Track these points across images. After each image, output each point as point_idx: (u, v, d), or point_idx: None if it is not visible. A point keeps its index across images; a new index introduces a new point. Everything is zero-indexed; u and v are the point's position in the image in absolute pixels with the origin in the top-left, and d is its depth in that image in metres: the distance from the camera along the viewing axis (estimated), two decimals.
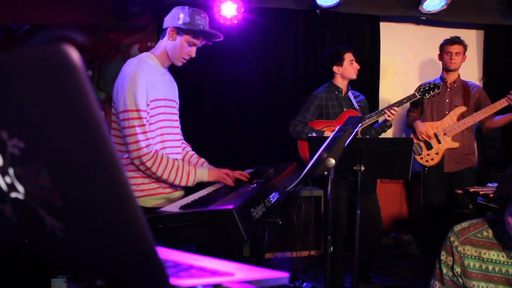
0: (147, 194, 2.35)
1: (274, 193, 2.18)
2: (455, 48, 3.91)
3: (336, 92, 3.80)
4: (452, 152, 3.91)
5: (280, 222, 2.46)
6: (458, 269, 1.88)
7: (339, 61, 3.76)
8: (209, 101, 4.70)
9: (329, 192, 2.19)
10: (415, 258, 4.69)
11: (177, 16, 2.38)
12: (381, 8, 4.86)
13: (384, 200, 4.99)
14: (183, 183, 2.37)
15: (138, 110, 2.22)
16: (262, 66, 4.79)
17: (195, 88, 4.65)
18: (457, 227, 1.92)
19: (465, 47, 3.94)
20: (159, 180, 2.33)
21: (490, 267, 1.83)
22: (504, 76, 5.28)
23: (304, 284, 3.78)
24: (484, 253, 1.84)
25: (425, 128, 3.91)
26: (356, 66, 3.78)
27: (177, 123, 2.62)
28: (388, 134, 4.80)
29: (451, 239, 1.91)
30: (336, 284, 3.69)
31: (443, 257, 1.94)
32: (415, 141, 3.96)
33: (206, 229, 1.72)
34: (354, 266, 2.85)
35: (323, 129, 3.70)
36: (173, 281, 0.56)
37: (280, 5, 4.66)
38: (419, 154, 3.96)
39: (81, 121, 0.46)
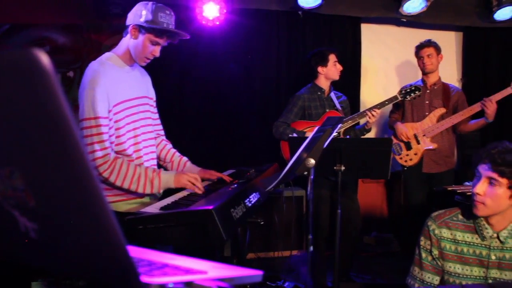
0: (120, 199, 2.28)
1: (254, 193, 2.19)
2: (425, 51, 3.97)
3: (319, 93, 3.83)
4: (431, 153, 3.97)
5: (262, 223, 2.47)
6: (436, 252, 1.95)
7: (324, 62, 3.79)
8: (191, 102, 4.69)
9: (309, 192, 2.21)
10: (396, 257, 4.74)
11: (139, 13, 2.24)
12: (362, 10, 4.91)
13: (365, 200, 5.05)
14: (147, 191, 2.24)
15: (96, 118, 2.13)
16: (245, 66, 4.80)
17: (177, 89, 4.65)
18: (435, 213, 2.01)
19: (436, 48, 3.98)
20: (121, 189, 2.23)
21: (465, 249, 1.90)
22: (483, 77, 5.38)
23: (286, 284, 3.80)
24: (459, 236, 1.91)
25: (405, 129, 3.96)
26: (339, 67, 3.82)
27: (151, 121, 2.51)
28: (371, 134, 4.85)
29: (429, 223, 1.99)
30: (318, 283, 3.73)
31: (421, 242, 2.00)
32: (395, 141, 4.02)
33: (187, 229, 1.73)
34: (335, 265, 2.89)
35: (305, 130, 3.73)
36: (145, 279, 0.57)
37: (262, 6, 4.68)
38: (399, 154, 4.01)
39: (52, 124, 0.47)
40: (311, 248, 2.28)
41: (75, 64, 4.56)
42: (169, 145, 2.74)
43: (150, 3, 2.26)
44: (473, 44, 5.40)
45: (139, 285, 0.54)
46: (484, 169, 1.80)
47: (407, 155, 3.99)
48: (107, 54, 2.34)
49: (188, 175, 2.29)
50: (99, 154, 2.13)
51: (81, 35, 4.56)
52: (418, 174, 4.01)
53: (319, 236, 3.69)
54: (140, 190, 2.23)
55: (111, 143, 2.24)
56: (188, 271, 0.66)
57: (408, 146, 3.98)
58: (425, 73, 4.05)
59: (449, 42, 5.38)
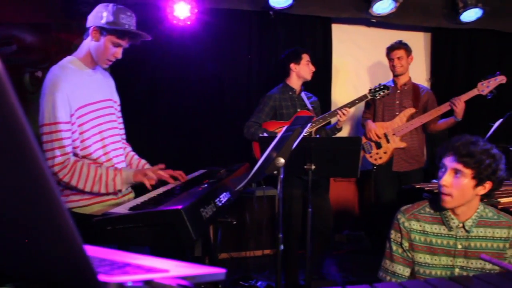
0: (94, 202, 2.28)
1: (225, 193, 2.20)
2: (396, 54, 4.05)
3: (290, 93, 3.85)
4: (401, 152, 4.04)
5: (235, 223, 2.47)
6: (406, 244, 2.01)
7: (297, 59, 3.82)
8: (163, 103, 4.65)
9: (279, 191, 2.23)
10: (367, 254, 4.80)
11: (100, 15, 2.23)
12: (333, 10, 4.96)
13: (337, 198, 5.11)
14: (110, 190, 2.25)
15: (56, 123, 2.12)
16: (216, 67, 4.79)
17: (148, 89, 4.61)
18: (403, 207, 2.08)
19: (406, 50, 4.07)
20: (85, 192, 2.22)
21: (434, 240, 1.97)
22: (450, 76, 5.51)
23: (259, 283, 3.81)
24: (427, 227, 1.98)
25: (374, 127, 4.03)
26: (312, 67, 3.85)
27: (116, 124, 2.50)
28: (344, 134, 4.90)
29: (398, 216, 2.05)
30: (290, 281, 3.75)
31: (392, 236, 2.06)
32: (365, 140, 4.09)
33: (156, 229, 1.72)
34: (306, 263, 2.91)
35: (276, 131, 3.74)
36: (103, 278, 0.57)
37: (233, 6, 4.67)
38: (369, 153, 4.07)
39: (4, 125, 0.46)
40: (282, 246, 2.29)
41: (44, 63, 4.48)
42: (129, 148, 2.74)
43: (111, 4, 2.24)
44: (441, 44, 5.52)
45: (96, 284, 0.54)
46: (449, 161, 1.88)
47: (377, 153, 4.06)
48: (68, 58, 2.32)
49: (146, 171, 2.29)
50: (59, 159, 2.12)
51: (50, 34, 4.48)
52: (388, 172, 4.08)
53: (291, 235, 3.72)
54: (102, 190, 2.23)
55: (76, 147, 2.23)
56: (149, 270, 0.66)
57: (378, 145, 4.04)
58: (395, 75, 4.12)
59: (418, 42, 5.48)
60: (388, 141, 4.03)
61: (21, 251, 0.58)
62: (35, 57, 4.45)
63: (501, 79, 3.78)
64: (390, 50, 4.08)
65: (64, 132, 2.14)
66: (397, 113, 4.07)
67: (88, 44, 2.30)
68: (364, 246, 4.98)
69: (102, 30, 2.23)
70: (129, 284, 0.57)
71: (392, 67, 4.09)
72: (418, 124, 3.97)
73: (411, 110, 4.03)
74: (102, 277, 0.56)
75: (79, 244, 0.52)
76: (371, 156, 4.09)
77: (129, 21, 2.27)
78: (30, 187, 0.51)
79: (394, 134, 4.01)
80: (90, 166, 2.20)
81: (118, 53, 2.31)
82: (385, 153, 4.04)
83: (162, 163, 2.43)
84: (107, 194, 2.30)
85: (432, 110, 3.94)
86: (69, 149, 2.17)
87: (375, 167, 4.09)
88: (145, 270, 0.66)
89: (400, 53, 4.04)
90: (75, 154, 2.24)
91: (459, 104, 3.78)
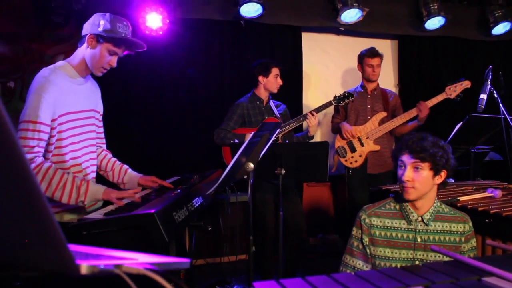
0: (64, 209, 2.26)
1: (197, 198, 2.27)
2: (376, 61, 4.18)
3: (258, 102, 3.96)
4: (375, 155, 4.17)
5: (210, 229, 2.54)
6: (366, 239, 2.13)
7: (266, 72, 3.91)
8: (136, 111, 4.69)
9: (249, 195, 2.31)
10: (341, 256, 4.87)
11: (97, 23, 2.24)
12: (302, 19, 5.09)
13: (312, 203, 5.21)
14: (72, 201, 2.14)
15: (35, 122, 2.09)
16: (188, 76, 4.85)
17: (122, 98, 4.63)
18: (366, 206, 2.21)
19: (382, 58, 4.23)
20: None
21: (394, 234, 2.10)
22: (417, 82, 5.71)
23: (235, 287, 3.88)
24: (388, 222, 2.12)
25: (350, 127, 4.14)
26: (279, 81, 3.95)
27: (95, 134, 2.50)
28: (317, 140, 5.00)
29: (360, 214, 2.18)
30: None
31: (353, 232, 2.19)
32: (339, 144, 4.19)
33: (130, 233, 1.79)
34: (279, 265, 3.00)
35: (245, 134, 3.82)
36: (79, 261, 0.64)
37: (205, 16, 4.76)
38: (344, 157, 4.18)
39: None
40: (253, 248, 2.37)
41: (16, 74, 4.48)
42: (110, 155, 2.74)
43: (108, 14, 2.27)
44: (408, 51, 5.72)
45: (74, 267, 0.61)
46: (407, 158, 2.04)
47: (352, 157, 4.17)
48: (60, 63, 2.32)
49: (117, 192, 2.23)
50: (26, 156, 2.11)
51: (21, 44, 4.48)
52: (362, 175, 4.19)
53: (265, 240, 3.80)
54: (64, 199, 2.14)
55: (49, 152, 2.21)
56: (120, 258, 0.74)
57: (353, 149, 4.16)
58: (370, 81, 4.25)
59: (385, 49, 5.64)
60: (362, 145, 4.15)
61: (13, 244, 0.65)
62: (6, 67, 4.45)
63: (466, 83, 3.96)
64: (371, 56, 4.19)
65: (42, 133, 2.12)
66: (369, 117, 4.20)
67: (83, 51, 2.30)
68: (338, 248, 5.07)
69: (99, 38, 2.24)
70: (102, 266, 0.65)
71: (372, 73, 4.20)
72: (391, 127, 4.10)
73: (383, 114, 4.17)
74: (78, 261, 0.63)
75: (59, 233, 0.60)
76: (346, 160, 4.19)
77: (125, 30, 2.30)
78: (18, 186, 0.58)
79: (367, 138, 4.14)
80: (57, 170, 2.13)
81: (114, 61, 2.32)
82: (360, 156, 4.16)
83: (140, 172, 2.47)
84: (68, 204, 2.21)
85: (404, 114, 4.08)
86: (37, 149, 2.12)
87: (350, 170, 4.19)
88: (116, 258, 0.74)
89: (379, 60, 4.19)
90: (46, 159, 2.21)
91: (424, 108, 3.94)
